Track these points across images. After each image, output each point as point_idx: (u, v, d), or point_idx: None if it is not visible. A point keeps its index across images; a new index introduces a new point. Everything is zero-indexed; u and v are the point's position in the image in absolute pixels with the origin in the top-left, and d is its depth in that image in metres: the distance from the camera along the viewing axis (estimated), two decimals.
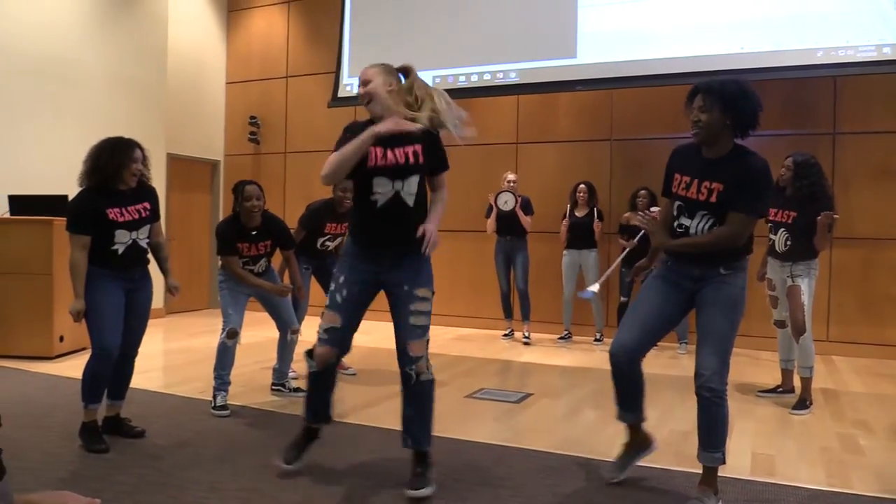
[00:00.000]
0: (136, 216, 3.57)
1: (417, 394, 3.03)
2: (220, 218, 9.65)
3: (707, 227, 2.87)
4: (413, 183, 2.98)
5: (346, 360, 5.45)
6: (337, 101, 8.37)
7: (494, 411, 4.42)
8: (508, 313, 7.36)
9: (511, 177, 7.11)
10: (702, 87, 2.86)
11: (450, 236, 8.16)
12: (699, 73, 6.59)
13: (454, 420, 4.13)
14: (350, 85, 8.25)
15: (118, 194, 3.52)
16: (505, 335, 7.36)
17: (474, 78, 7.51)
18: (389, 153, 2.95)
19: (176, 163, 8.86)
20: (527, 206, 7.06)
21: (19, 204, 5.87)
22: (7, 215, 5.92)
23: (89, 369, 3.50)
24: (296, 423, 4.03)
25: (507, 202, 7.01)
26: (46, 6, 6.97)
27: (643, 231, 6.12)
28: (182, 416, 4.15)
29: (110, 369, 3.54)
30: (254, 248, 4.34)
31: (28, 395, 4.63)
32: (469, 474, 3.24)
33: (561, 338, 7.23)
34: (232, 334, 4.25)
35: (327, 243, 5.19)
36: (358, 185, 3.05)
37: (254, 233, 4.31)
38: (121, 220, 3.50)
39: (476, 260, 8.03)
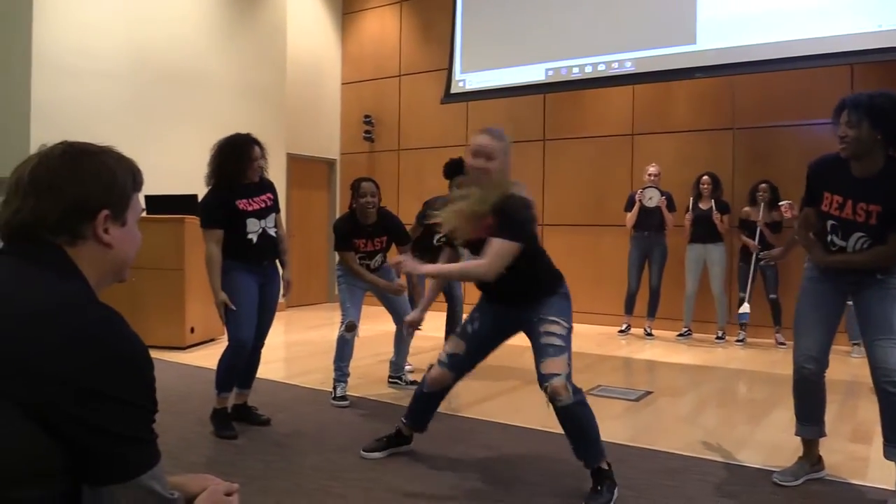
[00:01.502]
0: (263, 205, 3.73)
1: (562, 419, 2.86)
2: (338, 215, 9.94)
3: (864, 246, 2.86)
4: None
5: None
6: (449, 97, 8.42)
7: (613, 409, 4.31)
8: (630, 309, 7.19)
9: (653, 170, 6.95)
10: (849, 102, 2.79)
11: (565, 231, 8.04)
12: (825, 56, 6.20)
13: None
14: (463, 81, 8.28)
15: (244, 188, 3.68)
16: (621, 331, 7.19)
17: (588, 69, 7.35)
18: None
19: (295, 162, 9.20)
20: (670, 203, 6.91)
21: (154, 203, 6.25)
22: (145, 214, 6.31)
23: (225, 360, 3.69)
24: None
25: (651, 198, 6.88)
26: (177, 19, 7.40)
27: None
28: (303, 406, 4.29)
29: (244, 361, 3.71)
30: (370, 244, 4.43)
31: (164, 382, 4.91)
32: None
33: (680, 335, 7.00)
34: (350, 327, 4.35)
35: (443, 239, 5.21)
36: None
37: (370, 229, 4.40)
38: (250, 209, 3.66)
39: (590, 255, 7.88)
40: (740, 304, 6.37)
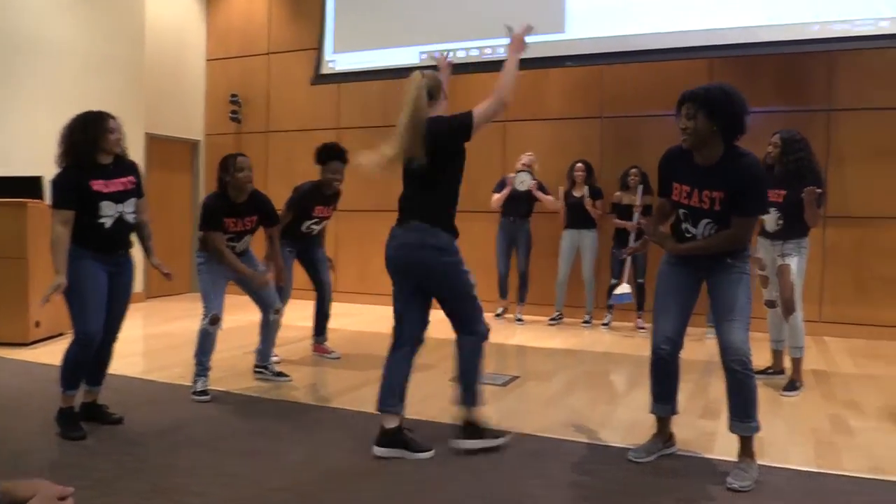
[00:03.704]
0: (122, 188, 3.57)
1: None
2: (201, 199, 9.62)
3: (712, 231, 3.09)
4: None
5: (329, 343, 5.50)
6: (320, 78, 8.32)
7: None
8: (503, 293, 7.42)
9: (526, 159, 7.14)
10: (687, 96, 3.02)
11: None
12: (690, 49, 6.63)
13: (438, 404, 4.16)
14: (333, 62, 8.20)
15: (101, 168, 3.50)
16: (497, 315, 7.40)
17: (461, 54, 7.47)
18: None
19: (155, 143, 8.81)
20: (542, 188, 7.13)
21: None
22: None
23: (70, 355, 3.51)
24: (279, 408, 4.07)
25: (523, 182, 7.04)
26: None
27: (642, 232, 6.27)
28: (162, 403, 4.17)
29: (92, 355, 3.54)
30: (240, 224, 4.34)
31: (4, 381, 4.63)
32: (453, 458, 3.28)
33: (552, 319, 7.28)
34: (214, 320, 4.25)
35: (313, 227, 5.19)
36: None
37: (241, 207, 4.32)
38: (105, 191, 3.49)
39: (462, 241, 8.01)
40: (612, 288, 6.69)
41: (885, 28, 6.04)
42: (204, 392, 4.21)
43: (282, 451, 3.34)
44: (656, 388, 3.35)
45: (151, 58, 8.55)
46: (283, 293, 4.86)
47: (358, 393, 4.45)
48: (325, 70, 8.26)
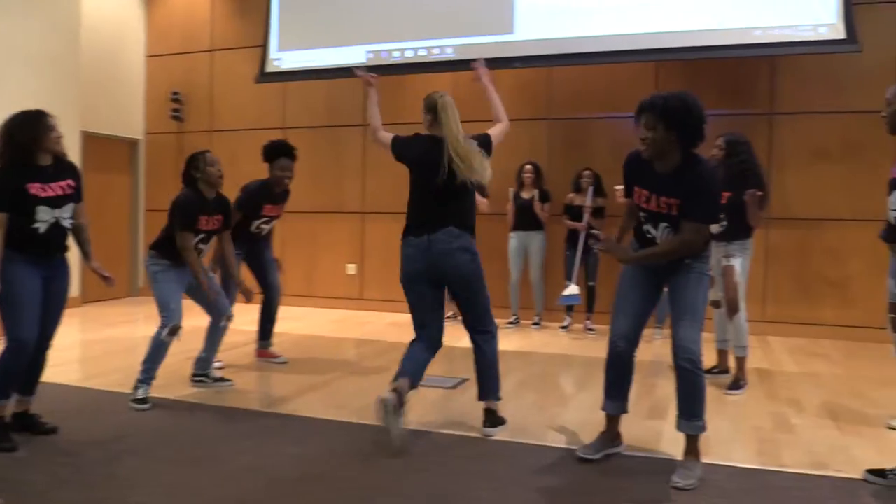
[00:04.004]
0: (60, 192, 3.48)
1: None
2: (142, 200, 9.45)
3: (669, 235, 3.17)
4: None
5: (275, 348, 5.45)
6: (265, 76, 8.23)
7: (429, 397, 4.47)
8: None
9: None
10: (647, 106, 3.08)
11: (385, 218, 8.16)
12: (638, 52, 6.76)
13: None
14: (279, 60, 8.12)
15: (39, 170, 3.41)
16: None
17: (409, 54, 7.48)
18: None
19: (92, 141, 8.58)
20: (481, 189, 7.13)
21: None
22: None
23: (2, 363, 3.39)
24: (222, 414, 4.02)
25: None
26: None
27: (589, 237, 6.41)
28: (100, 411, 4.07)
29: (26, 363, 3.44)
30: (211, 222, 4.31)
31: None
32: (400, 462, 3.28)
33: (509, 323, 7.26)
34: (174, 331, 4.18)
35: (263, 227, 5.15)
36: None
37: (211, 205, 4.32)
38: (42, 195, 3.40)
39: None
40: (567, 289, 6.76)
41: (823, 34, 6.26)
42: (144, 400, 4.13)
43: (224, 459, 3.30)
44: (610, 384, 3.41)
45: (88, 53, 8.33)
46: (229, 296, 4.78)
47: (304, 398, 4.41)
48: (270, 68, 8.17)
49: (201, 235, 4.29)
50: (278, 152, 5.05)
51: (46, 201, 3.42)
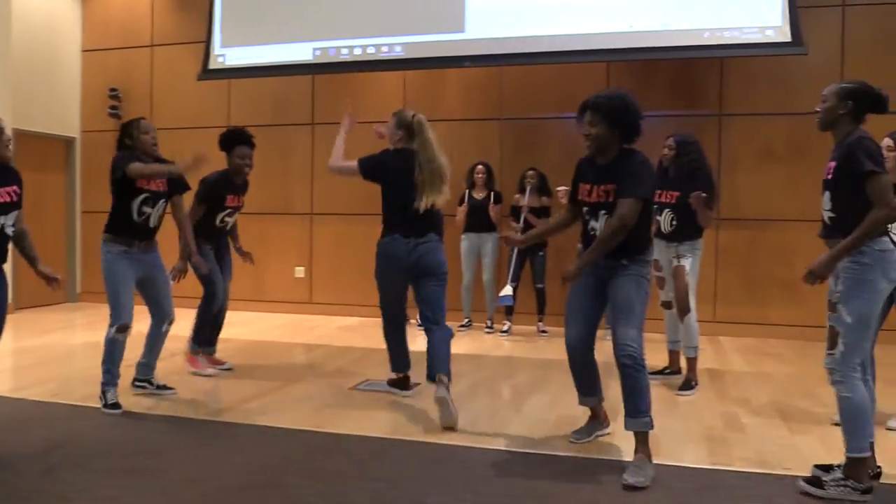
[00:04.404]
0: (7, 199, 3.39)
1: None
2: (79, 200, 9.20)
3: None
4: None
5: (220, 355, 5.35)
6: (208, 73, 8.09)
7: (379, 403, 4.44)
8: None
9: None
10: (590, 104, 3.33)
11: (335, 220, 8.10)
12: (589, 52, 6.84)
13: (335, 413, 4.13)
14: (223, 56, 7.99)
15: None
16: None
17: (357, 51, 7.43)
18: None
19: (24, 139, 8.30)
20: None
21: None
22: None
23: None
24: (163, 423, 3.94)
25: None
26: None
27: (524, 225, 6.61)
28: (33, 422, 3.95)
29: None
30: (153, 183, 4.19)
31: None
32: (347, 469, 3.25)
33: (462, 326, 7.23)
34: (122, 329, 4.12)
35: (227, 219, 5.10)
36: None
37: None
38: None
39: (361, 245, 7.97)
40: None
41: (770, 36, 6.43)
42: (116, 405, 4.09)
43: (164, 469, 3.23)
44: (579, 383, 3.65)
45: (20, 47, 8.08)
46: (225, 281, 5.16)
47: (250, 405, 4.35)
48: (213, 65, 8.03)
49: (145, 195, 4.12)
50: (236, 140, 5.01)
51: None
